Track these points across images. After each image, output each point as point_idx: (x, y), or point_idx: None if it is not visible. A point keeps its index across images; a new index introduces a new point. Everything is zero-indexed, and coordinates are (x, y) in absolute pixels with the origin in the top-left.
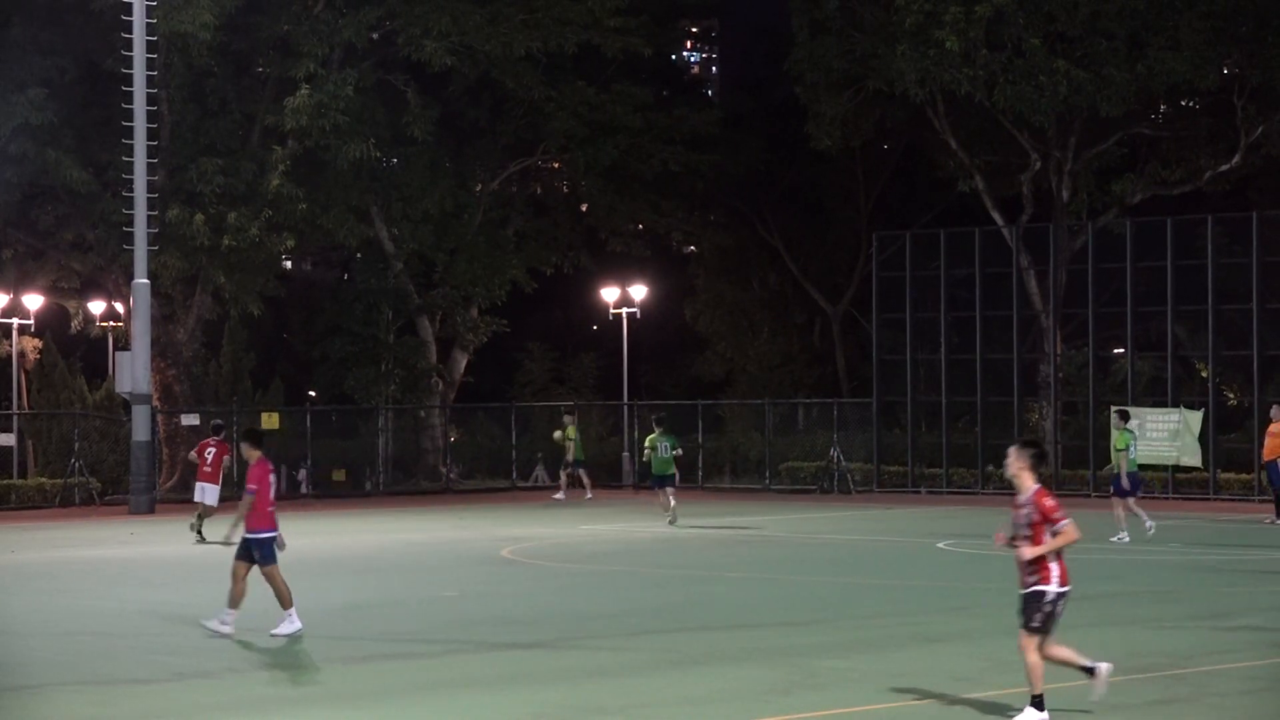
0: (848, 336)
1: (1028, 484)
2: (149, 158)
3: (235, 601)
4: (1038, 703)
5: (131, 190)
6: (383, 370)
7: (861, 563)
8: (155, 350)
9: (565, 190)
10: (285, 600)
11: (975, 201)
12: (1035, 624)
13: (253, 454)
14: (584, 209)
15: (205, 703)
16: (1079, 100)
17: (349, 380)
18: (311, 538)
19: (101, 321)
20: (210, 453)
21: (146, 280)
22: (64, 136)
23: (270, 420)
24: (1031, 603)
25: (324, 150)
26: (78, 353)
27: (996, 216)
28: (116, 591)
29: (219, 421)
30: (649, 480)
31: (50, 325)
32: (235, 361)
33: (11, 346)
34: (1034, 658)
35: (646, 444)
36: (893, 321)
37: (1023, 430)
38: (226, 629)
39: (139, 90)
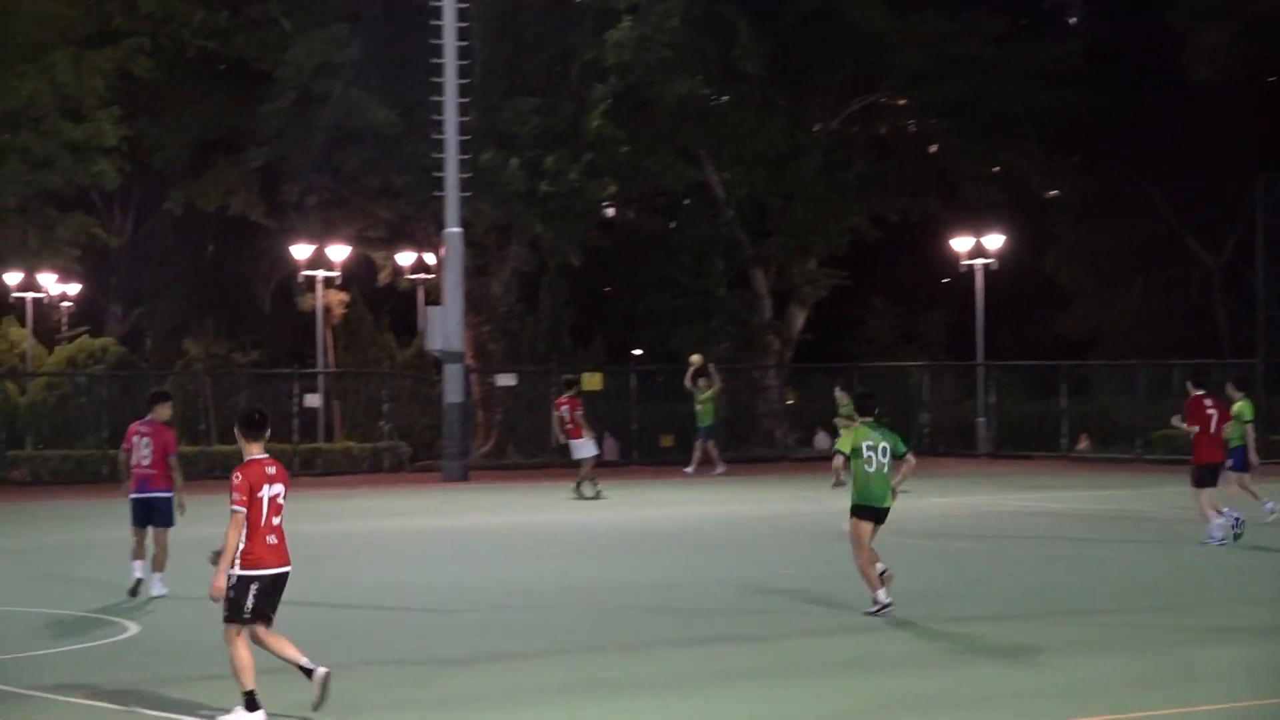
0: (1230, 291)
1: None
2: (460, 97)
3: None
4: (249, 701)
5: (441, 132)
6: (712, 327)
7: (1250, 541)
8: (468, 305)
9: (912, 130)
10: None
11: None
12: (225, 612)
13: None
14: (933, 150)
15: (524, 685)
16: None
17: (676, 337)
18: (639, 509)
19: (411, 274)
20: (565, 409)
21: (459, 229)
22: (369, 75)
23: (592, 381)
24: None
25: (648, 88)
26: (386, 307)
27: None
28: (429, 565)
29: (570, 376)
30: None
31: (356, 278)
32: (553, 317)
33: (316, 301)
34: (236, 650)
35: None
36: None
37: None
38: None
39: (449, 25)
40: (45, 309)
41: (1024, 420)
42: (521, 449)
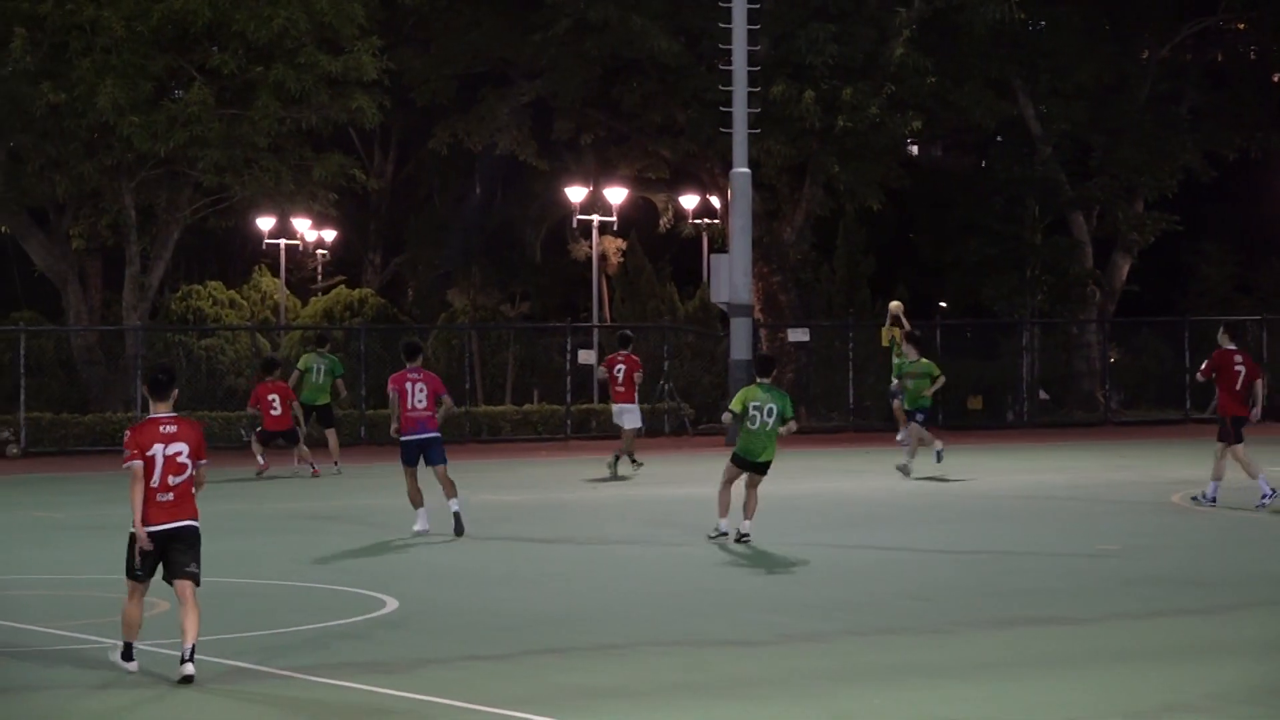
0: None
1: None
2: (749, 24)
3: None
4: (125, 651)
5: (729, 63)
6: (1027, 276)
7: None
8: (757, 253)
9: (1252, 57)
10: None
11: None
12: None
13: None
14: (1276, 80)
15: (811, 669)
16: None
17: (986, 288)
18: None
19: (694, 219)
20: (620, 369)
21: (747, 169)
22: (650, 0)
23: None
24: None
25: (957, 12)
26: (667, 255)
27: None
28: (703, 538)
29: (627, 332)
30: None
31: (635, 222)
32: (851, 266)
33: (591, 248)
34: (125, 606)
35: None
36: None
37: None
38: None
39: None
40: (299, 257)
41: None
42: (814, 411)
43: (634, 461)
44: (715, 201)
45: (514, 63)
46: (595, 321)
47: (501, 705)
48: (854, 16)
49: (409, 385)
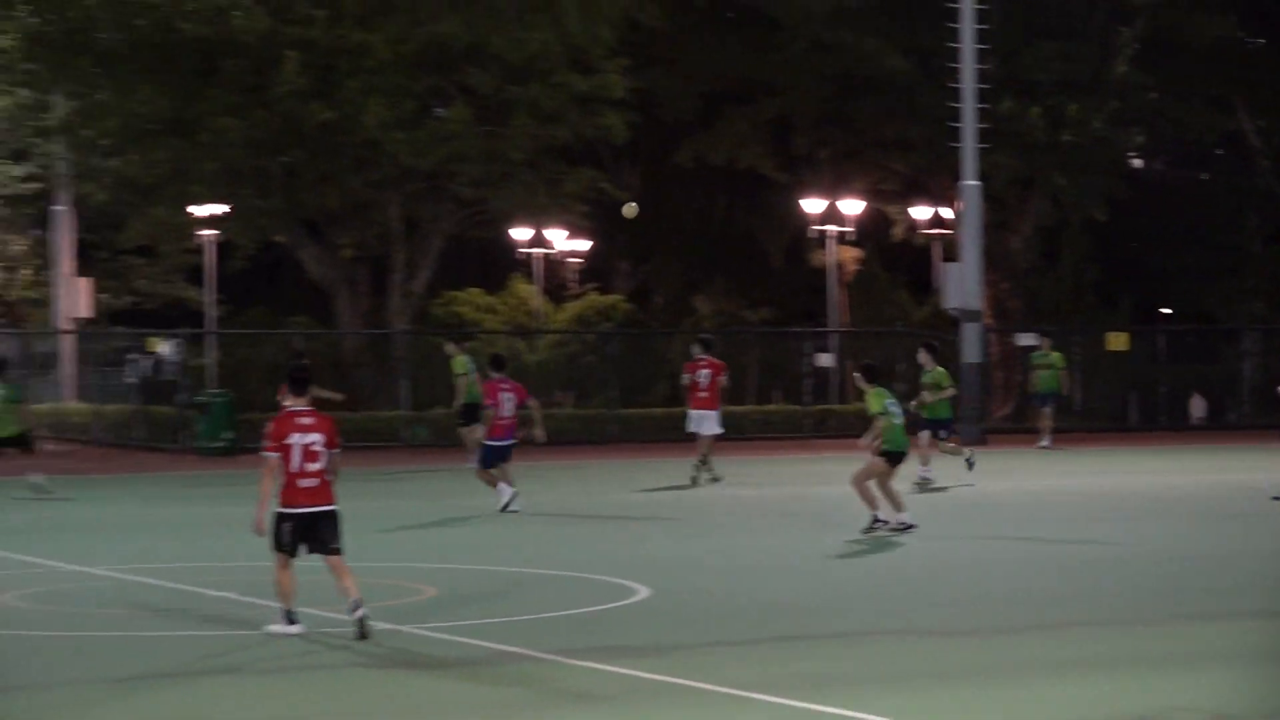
0: None
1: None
2: (977, 42)
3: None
4: (289, 617)
5: (958, 80)
6: (1247, 285)
7: None
8: (986, 261)
9: None
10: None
11: None
12: (270, 541)
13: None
14: None
15: (1040, 658)
16: None
17: (1207, 296)
18: (1156, 475)
19: (926, 229)
20: (704, 375)
21: (977, 182)
22: (882, 21)
23: (1117, 341)
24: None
25: (1177, 31)
26: (901, 264)
27: None
28: (917, 536)
29: (707, 336)
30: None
31: (870, 233)
32: (1076, 274)
33: (828, 257)
34: (278, 576)
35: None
36: None
37: None
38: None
39: None
40: (554, 265)
41: None
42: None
43: (709, 467)
44: (946, 212)
45: (755, 81)
46: (832, 327)
47: (742, 688)
48: (1079, 34)
49: (501, 395)
